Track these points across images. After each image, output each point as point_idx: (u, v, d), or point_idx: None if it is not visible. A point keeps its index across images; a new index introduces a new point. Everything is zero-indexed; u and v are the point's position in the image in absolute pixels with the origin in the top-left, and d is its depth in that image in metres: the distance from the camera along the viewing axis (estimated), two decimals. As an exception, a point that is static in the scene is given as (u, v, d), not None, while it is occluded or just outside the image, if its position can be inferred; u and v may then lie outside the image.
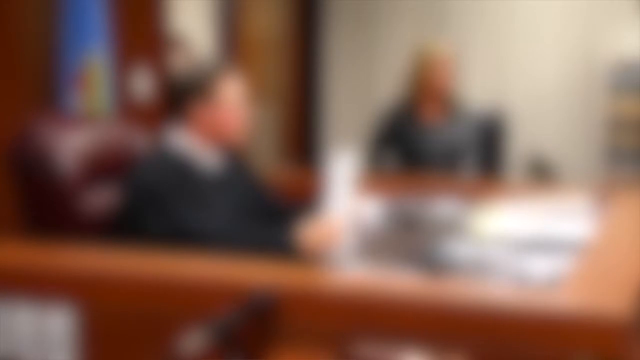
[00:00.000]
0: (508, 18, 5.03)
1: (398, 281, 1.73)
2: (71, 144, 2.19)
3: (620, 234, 1.98)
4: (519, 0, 4.99)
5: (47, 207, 2.18)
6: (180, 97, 2.33)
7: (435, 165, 3.65)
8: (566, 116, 4.97)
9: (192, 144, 2.32)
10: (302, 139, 5.43)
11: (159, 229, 2.12)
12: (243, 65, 4.23)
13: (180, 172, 2.25)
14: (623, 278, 1.53)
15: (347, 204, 2.22)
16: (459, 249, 2.13)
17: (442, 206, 2.60)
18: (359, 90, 5.40)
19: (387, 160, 3.82)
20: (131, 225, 2.17)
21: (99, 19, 3.07)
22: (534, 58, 5.00)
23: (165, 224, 2.13)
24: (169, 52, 3.62)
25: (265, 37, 4.88)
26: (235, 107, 2.34)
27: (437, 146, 3.70)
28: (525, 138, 4.94)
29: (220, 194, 2.31)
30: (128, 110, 3.32)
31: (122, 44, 3.25)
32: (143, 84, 3.50)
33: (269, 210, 2.46)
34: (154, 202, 2.15)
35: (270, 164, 4.87)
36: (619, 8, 4.80)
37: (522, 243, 2.14)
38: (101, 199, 2.23)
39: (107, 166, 2.27)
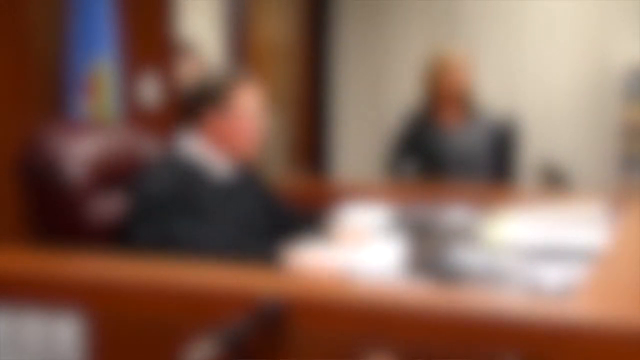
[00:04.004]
0: (521, 24, 5.01)
1: (410, 290, 1.71)
2: (80, 151, 2.18)
3: (634, 242, 1.95)
4: (532, 6, 4.97)
5: (56, 214, 2.16)
6: (194, 104, 2.30)
7: (455, 170, 3.65)
8: (579, 123, 4.94)
9: (204, 152, 2.29)
10: (313, 147, 5.42)
11: (148, 239, 2.09)
12: (253, 72, 4.22)
13: (189, 181, 2.23)
14: (637, 287, 1.50)
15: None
16: (471, 257, 2.11)
17: (454, 214, 2.58)
18: (370, 96, 5.39)
19: (407, 167, 3.81)
20: (130, 233, 2.15)
21: (107, 26, 3.07)
22: (547, 64, 4.98)
23: (155, 235, 2.09)
24: (177, 59, 3.61)
25: (275, 43, 4.88)
26: (251, 117, 2.32)
27: (456, 151, 3.69)
28: (538, 145, 4.91)
29: (230, 204, 2.29)
30: (136, 117, 3.32)
31: (130, 51, 3.25)
32: (151, 91, 3.50)
33: (280, 221, 2.44)
34: (151, 212, 2.13)
35: (280, 171, 4.86)
36: (633, 16, 4.77)
37: (535, 251, 2.12)
38: (110, 206, 2.22)
39: (116, 173, 2.25)
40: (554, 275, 1.86)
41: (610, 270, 1.68)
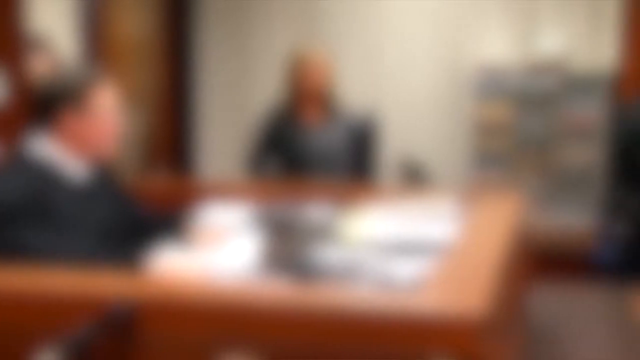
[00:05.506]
0: (381, 23, 5.12)
1: (266, 289, 1.70)
2: None
3: (483, 235, 2.04)
4: (391, 5, 5.09)
5: None
6: (47, 103, 2.19)
7: (316, 167, 3.68)
8: (436, 121, 5.11)
9: (58, 154, 2.19)
10: (176, 146, 5.33)
11: None
12: (110, 68, 4.09)
13: (41, 185, 2.12)
14: (482, 279, 1.56)
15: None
16: (329, 254, 2.13)
17: (314, 211, 2.60)
18: (233, 94, 5.36)
19: (269, 165, 3.81)
20: None
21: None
22: (406, 63, 5.12)
23: (4, 243, 1.99)
24: (27, 55, 3.45)
25: (134, 39, 4.75)
26: (108, 116, 2.24)
27: (318, 149, 3.73)
28: (398, 142, 5.04)
29: (87, 208, 2.20)
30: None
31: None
32: (-2, 88, 3.33)
33: (138, 223, 2.38)
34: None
35: (140, 172, 4.75)
36: (486, 16, 4.98)
37: (390, 246, 2.17)
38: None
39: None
40: (405, 270, 1.91)
41: (458, 263, 1.74)
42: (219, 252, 2.13)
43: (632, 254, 2.67)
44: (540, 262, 2.58)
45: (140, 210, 2.44)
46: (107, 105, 2.23)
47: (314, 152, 3.73)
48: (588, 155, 4.88)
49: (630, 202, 2.65)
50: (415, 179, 4.96)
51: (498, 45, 4.98)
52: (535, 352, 2.23)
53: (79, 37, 3.98)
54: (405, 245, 2.16)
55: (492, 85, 4.94)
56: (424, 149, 5.09)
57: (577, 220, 4.90)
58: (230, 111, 5.34)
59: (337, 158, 3.78)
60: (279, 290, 1.65)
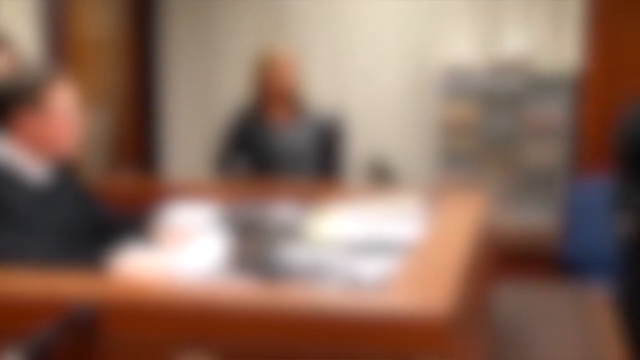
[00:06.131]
0: (348, 22, 5.12)
1: (230, 289, 1.70)
2: None
3: (448, 234, 2.05)
4: (359, 4, 5.10)
5: None
6: (4, 103, 2.16)
7: (283, 167, 3.68)
8: (402, 120, 5.13)
9: (15, 154, 2.16)
10: (142, 145, 5.28)
11: None
12: (72, 67, 4.04)
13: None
14: (447, 278, 1.57)
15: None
16: (295, 254, 2.13)
17: (281, 211, 2.60)
18: (199, 93, 5.32)
19: (236, 165, 3.80)
20: None
21: None
22: (373, 63, 5.13)
23: None
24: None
25: (98, 37, 4.70)
26: (66, 116, 2.21)
27: (285, 148, 3.73)
28: (365, 141, 5.05)
29: (47, 209, 2.17)
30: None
31: None
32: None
33: (101, 224, 2.35)
34: None
35: (104, 171, 4.70)
36: (452, 17, 5.01)
37: (356, 246, 2.17)
38: None
39: None
40: (371, 269, 1.92)
41: (422, 262, 1.75)
42: (183, 252, 2.12)
43: (635, 250, 2.71)
44: (504, 259, 2.61)
45: (105, 210, 2.42)
46: (65, 105, 2.21)
47: (281, 152, 3.73)
48: (551, 154, 4.94)
49: (636, 197, 2.68)
50: (382, 178, 4.98)
51: (464, 46, 5.01)
52: (497, 351, 2.25)
53: (40, 36, 3.92)
54: (371, 244, 2.17)
55: (458, 86, 4.97)
56: (391, 148, 5.11)
57: (540, 218, 4.96)
58: (196, 111, 5.31)
59: (304, 157, 3.78)
60: (243, 290, 1.64)
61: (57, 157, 2.24)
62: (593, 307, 2.66)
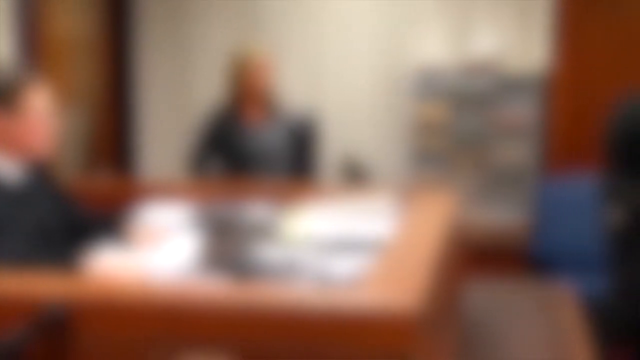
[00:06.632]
0: (321, 22, 5.15)
1: (202, 288, 1.71)
2: None
3: (419, 232, 2.07)
4: (332, 5, 5.12)
5: None
6: None
7: (258, 167, 3.69)
8: (375, 120, 5.16)
9: None
10: (117, 146, 5.26)
11: None
12: (47, 67, 4.02)
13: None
14: (417, 275, 1.59)
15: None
16: (269, 253, 2.15)
17: (255, 210, 2.61)
18: (174, 94, 5.31)
19: (211, 165, 3.80)
20: None
21: None
22: (346, 63, 5.15)
23: None
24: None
25: (72, 38, 4.67)
26: (41, 117, 2.21)
27: (259, 148, 3.73)
28: (339, 141, 5.08)
29: (23, 210, 2.17)
30: None
31: None
32: None
33: (77, 224, 2.35)
34: None
35: (80, 172, 4.67)
36: (423, 18, 5.05)
37: (329, 244, 2.19)
38: None
39: None
40: (343, 267, 1.94)
41: (393, 260, 1.77)
42: (157, 251, 2.13)
43: (626, 242, 2.73)
44: (474, 257, 2.64)
45: (80, 210, 2.42)
46: (39, 106, 2.21)
47: (255, 152, 3.74)
48: (521, 153, 5.00)
49: (629, 191, 2.71)
50: (355, 177, 5.01)
51: (435, 47, 5.06)
52: (467, 348, 2.28)
53: (14, 36, 3.90)
54: (343, 243, 2.19)
55: (429, 86, 5.01)
56: (364, 147, 5.14)
57: (510, 216, 5.02)
58: (171, 110, 5.30)
59: (278, 157, 3.80)
60: (215, 289, 1.65)
61: (32, 158, 2.24)
62: (561, 304, 2.70)
